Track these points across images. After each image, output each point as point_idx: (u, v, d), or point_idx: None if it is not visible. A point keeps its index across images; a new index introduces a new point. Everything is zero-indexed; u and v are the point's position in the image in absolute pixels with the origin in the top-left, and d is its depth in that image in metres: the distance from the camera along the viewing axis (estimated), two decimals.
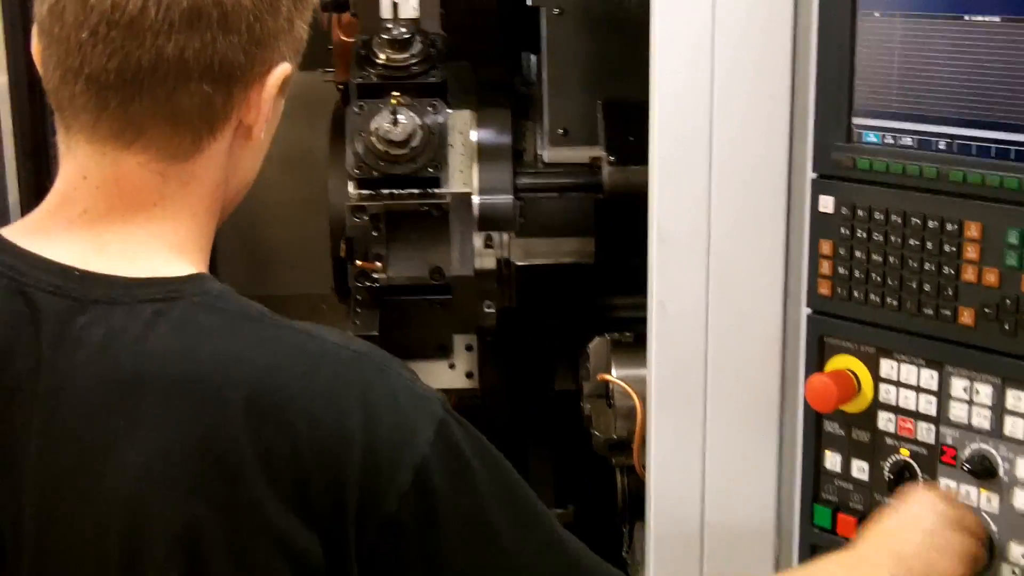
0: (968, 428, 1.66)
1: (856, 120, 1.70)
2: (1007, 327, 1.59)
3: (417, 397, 1.28)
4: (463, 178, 2.41)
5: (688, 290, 1.86)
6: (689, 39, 1.81)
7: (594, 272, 2.46)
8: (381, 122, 2.30)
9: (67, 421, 1.21)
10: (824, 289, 1.76)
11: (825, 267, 1.75)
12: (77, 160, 1.27)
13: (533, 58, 2.55)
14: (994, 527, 1.65)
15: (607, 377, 2.21)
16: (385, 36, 2.35)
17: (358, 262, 2.35)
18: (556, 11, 2.41)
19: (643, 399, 2.10)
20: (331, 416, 1.22)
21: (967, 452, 1.66)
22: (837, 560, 1.60)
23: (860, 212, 1.70)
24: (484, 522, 1.28)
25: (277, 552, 1.20)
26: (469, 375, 2.50)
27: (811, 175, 1.75)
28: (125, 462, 1.19)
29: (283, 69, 1.30)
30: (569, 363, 2.60)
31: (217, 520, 1.19)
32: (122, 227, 1.27)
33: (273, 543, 1.20)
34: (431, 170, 2.34)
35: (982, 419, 1.65)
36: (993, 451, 1.64)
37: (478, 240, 2.43)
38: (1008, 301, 1.58)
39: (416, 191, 2.37)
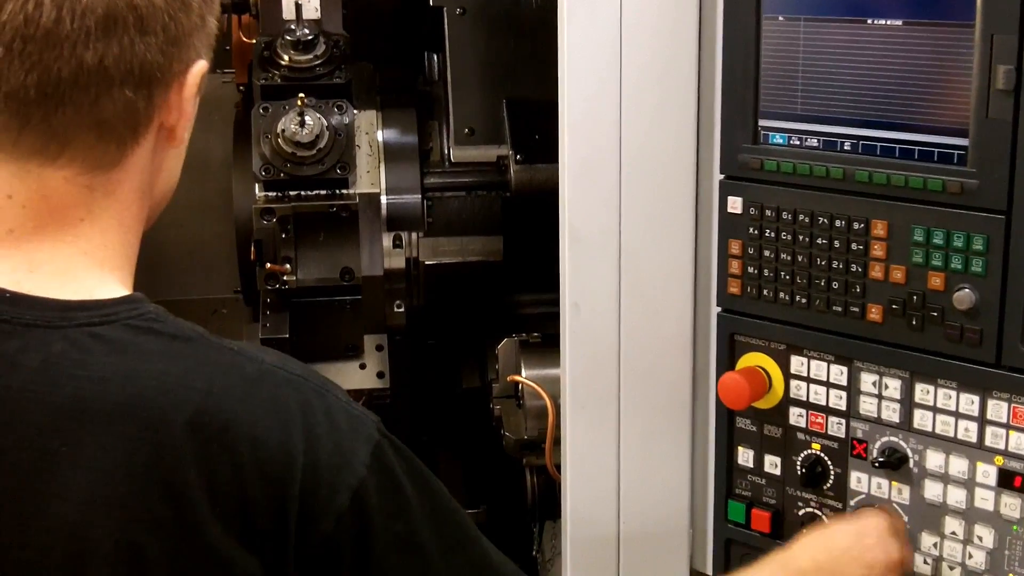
0: (878, 422, 1.70)
1: (762, 122, 1.72)
2: (914, 323, 1.62)
3: (354, 419, 1.28)
4: (370, 178, 2.41)
5: (600, 290, 1.87)
6: (597, 42, 1.81)
7: (502, 270, 2.46)
8: (287, 124, 2.29)
9: (4, 447, 1.19)
10: (734, 288, 1.79)
11: (734, 266, 1.77)
12: (0, 179, 1.25)
13: (436, 57, 2.56)
14: (906, 517, 1.69)
15: (517, 378, 2.22)
16: (288, 37, 2.34)
17: (267, 265, 2.32)
18: (459, 11, 2.42)
19: (553, 399, 2.12)
20: (274, 438, 1.21)
21: (877, 445, 1.70)
22: (768, 559, 1.64)
23: (768, 212, 1.73)
24: (416, 544, 1.28)
25: None
26: (380, 375, 2.47)
27: (719, 176, 1.78)
28: (68, 487, 1.17)
29: (200, 66, 1.29)
30: (476, 361, 2.61)
31: (160, 545, 1.18)
32: (51, 246, 1.25)
33: (215, 567, 1.19)
34: (339, 171, 2.32)
35: (891, 413, 1.68)
36: (903, 443, 1.68)
37: (387, 240, 2.42)
38: (915, 297, 1.61)
39: (324, 192, 2.35)
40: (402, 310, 2.45)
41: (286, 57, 2.36)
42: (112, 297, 1.25)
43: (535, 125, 2.35)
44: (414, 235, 2.44)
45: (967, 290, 1.57)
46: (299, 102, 2.28)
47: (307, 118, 2.28)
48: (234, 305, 2.57)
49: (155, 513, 1.17)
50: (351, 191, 2.37)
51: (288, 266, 2.32)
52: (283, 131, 2.29)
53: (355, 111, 2.37)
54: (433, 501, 1.32)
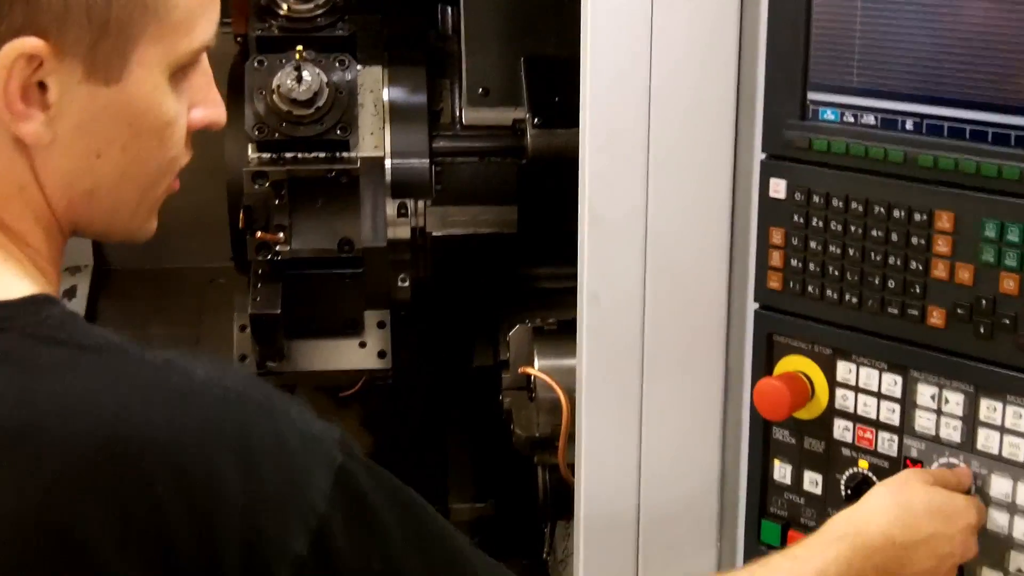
0: (936, 440, 1.56)
1: (812, 95, 1.58)
2: (982, 330, 1.47)
3: (309, 440, 1.10)
4: (374, 141, 2.30)
5: (623, 280, 1.74)
6: None
7: (516, 242, 2.37)
8: (284, 79, 2.19)
9: None
10: (774, 282, 1.64)
11: (775, 258, 1.64)
12: None
13: (449, 10, 2.44)
14: None
15: (529, 370, 2.11)
16: None
17: (259, 233, 2.22)
18: None
19: (568, 393, 2.01)
20: (201, 470, 1.03)
21: (935, 467, 1.55)
22: (784, 553, 1.46)
23: (816, 198, 1.58)
24: None
25: None
26: (381, 354, 2.36)
27: (760, 155, 1.64)
28: None
29: (18, 47, 1.07)
30: (488, 339, 2.52)
31: None
32: None
33: None
34: (339, 132, 2.23)
35: (951, 431, 1.54)
36: (964, 466, 1.53)
37: (391, 208, 2.31)
38: (984, 301, 1.46)
39: (322, 155, 2.26)
40: (407, 284, 2.36)
41: (285, 6, 2.28)
42: (8, 298, 1.09)
43: (555, 86, 2.26)
44: (421, 203, 2.34)
45: None
46: (297, 55, 2.19)
47: (305, 73, 2.19)
48: (233, 275, 2.46)
49: (52, 565, 1.01)
50: (352, 154, 2.28)
51: (282, 235, 2.23)
52: (279, 87, 2.20)
53: (359, 67, 2.28)
54: (415, 523, 1.16)
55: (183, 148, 1.21)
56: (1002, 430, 1.48)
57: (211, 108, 1.23)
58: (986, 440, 1.50)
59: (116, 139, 1.15)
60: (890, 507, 1.46)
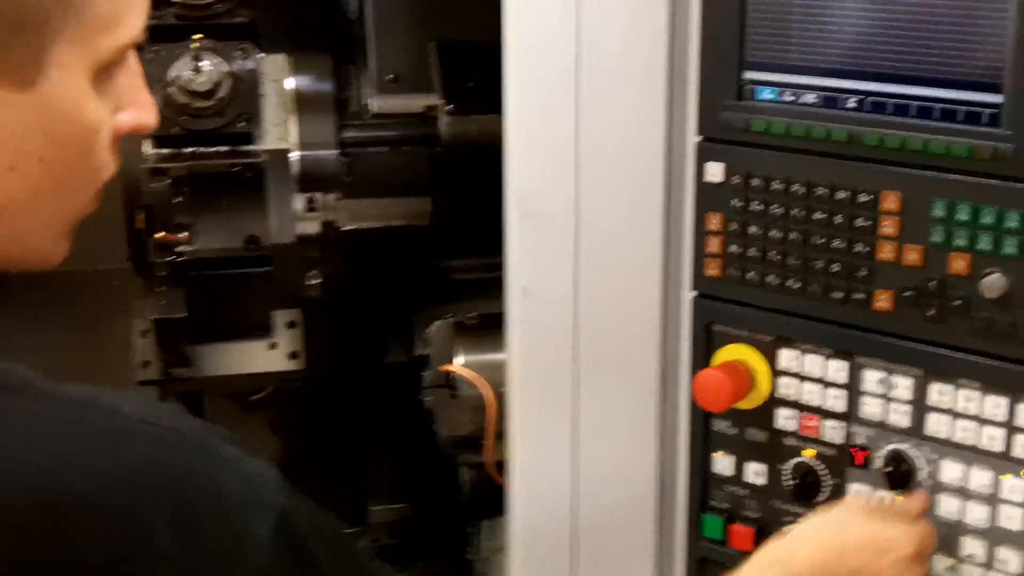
0: (883, 426, 1.53)
1: (749, 74, 1.54)
2: (932, 312, 1.45)
3: (248, 484, 1.01)
4: (279, 132, 2.23)
5: (554, 272, 1.69)
6: None
7: (430, 234, 2.32)
8: (181, 70, 2.12)
9: None
10: (712, 270, 1.60)
11: (713, 245, 1.59)
12: None
13: None
14: None
15: (452, 368, 2.05)
16: None
17: (159, 233, 2.15)
18: None
19: (494, 389, 1.97)
20: (128, 522, 0.94)
21: (882, 453, 1.53)
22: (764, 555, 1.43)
23: (755, 181, 1.55)
24: None
25: None
26: (293, 355, 2.29)
27: (695, 138, 1.60)
28: None
29: None
30: (402, 335, 2.45)
31: None
32: None
33: None
34: (242, 124, 2.17)
35: (900, 416, 1.51)
36: (912, 452, 1.51)
37: (299, 203, 2.24)
38: (933, 283, 1.44)
39: (225, 149, 2.18)
40: (317, 282, 2.28)
41: None
42: None
43: (468, 71, 2.20)
44: (330, 196, 2.27)
45: (997, 275, 1.38)
46: (194, 45, 2.12)
47: (204, 63, 2.13)
48: (129, 277, 2.36)
49: None
50: (256, 147, 2.21)
51: (184, 234, 2.16)
52: (176, 78, 2.13)
53: (260, 55, 2.20)
54: (352, 563, 1.11)
55: (109, 157, 1.07)
56: (953, 414, 1.46)
57: (139, 110, 1.10)
58: (936, 425, 1.47)
59: (32, 150, 1.02)
60: (821, 538, 1.43)
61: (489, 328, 2.01)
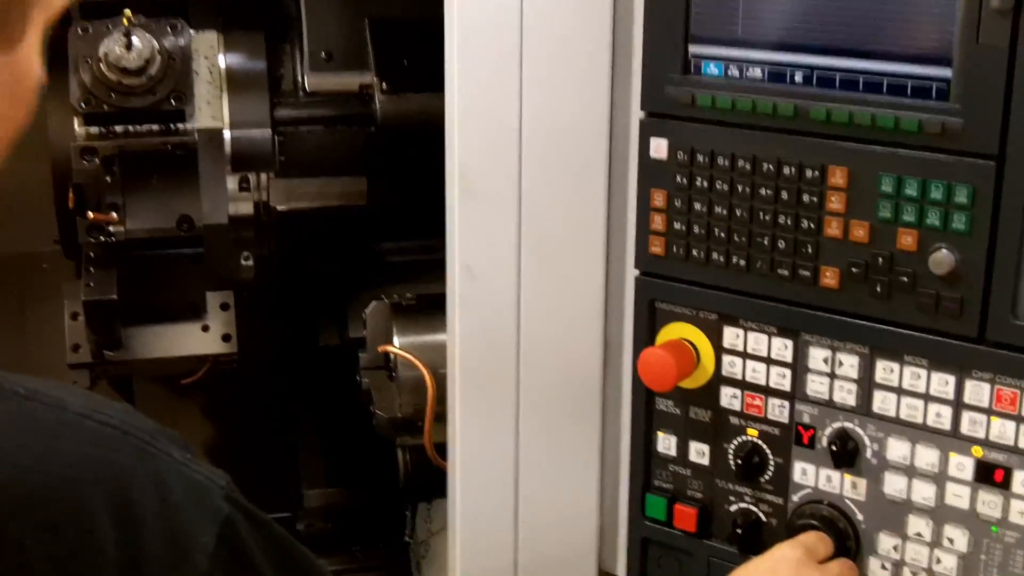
0: (829, 404, 1.51)
1: (693, 48, 1.50)
2: (879, 289, 1.42)
3: (194, 488, 0.98)
4: (211, 111, 2.18)
5: (497, 250, 1.65)
6: None
7: (366, 215, 2.28)
8: (111, 46, 2.06)
9: None
10: (656, 247, 1.58)
11: (657, 222, 1.56)
12: None
13: None
14: (860, 516, 1.51)
15: (389, 348, 2.00)
16: None
17: (89, 213, 2.10)
18: None
19: (433, 370, 1.93)
20: (72, 523, 0.90)
21: (828, 432, 1.51)
22: None
23: (700, 157, 1.52)
24: None
25: None
26: (226, 338, 2.26)
27: (639, 114, 1.57)
28: None
29: None
30: (335, 316, 2.43)
31: None
32: None
33: None
34: (173, 102, 2.11)
35: (846, 394, 1.50)
36: (858, 430, 1.49)
37: (232, 183, 2.19)
38: (880, 259, 1.41)
39: (156, 127, 2.14)
40: (250, 263, 2.23)
41: None
42: None
43: (403, 49, 2.17)
44: (263, 176, 2.22)
45: (945, 251, 1.36)
46: (125, 21, 2.06)
47: (135, 39, 2.07)
48: (58, 259, 2.32)
49: None
50: (188, 125, 2.16)
51: (115, 215, 2.11)
52: (106, 55, 2.07)
53: (192, 32, 2.15)
54: (296, 571, 1.08)
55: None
56: (900, 392, 1.44)
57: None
58: (883, 403, 1.46)
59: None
60: None
61: (426, 309, 1.99)
